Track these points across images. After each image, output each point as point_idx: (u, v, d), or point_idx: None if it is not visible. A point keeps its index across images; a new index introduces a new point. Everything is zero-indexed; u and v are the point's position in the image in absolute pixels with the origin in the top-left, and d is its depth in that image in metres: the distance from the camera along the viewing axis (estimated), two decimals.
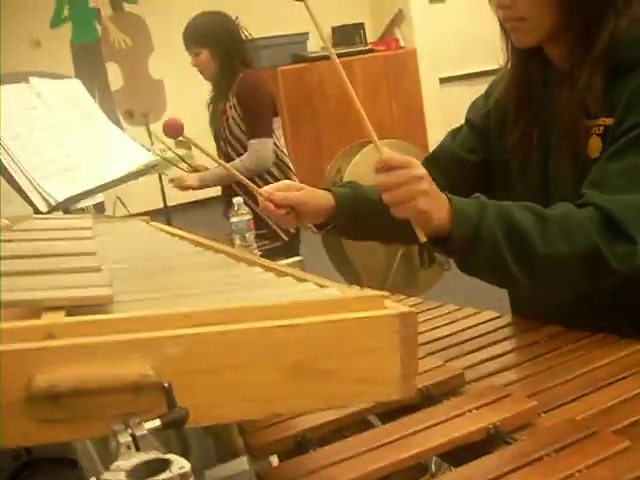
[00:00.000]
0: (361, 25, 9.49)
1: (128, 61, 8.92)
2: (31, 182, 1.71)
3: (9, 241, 1.20)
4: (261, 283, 1.13)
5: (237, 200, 2.64)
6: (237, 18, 3.70)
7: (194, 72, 3.49)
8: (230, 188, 3.32)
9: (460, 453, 1.05)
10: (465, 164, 1.61)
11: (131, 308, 0.91)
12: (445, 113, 9.94)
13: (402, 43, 9.53)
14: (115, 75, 8.76)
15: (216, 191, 3.76)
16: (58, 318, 0.82)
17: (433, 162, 1.62)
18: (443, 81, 9.74)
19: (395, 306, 0.87)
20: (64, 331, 0.78)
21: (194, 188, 3.45)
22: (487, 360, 1.37)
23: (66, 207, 1.83)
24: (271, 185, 1.51)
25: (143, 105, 7.80)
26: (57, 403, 0.76)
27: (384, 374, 0.85)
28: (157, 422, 0.77)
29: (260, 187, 1.51)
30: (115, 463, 0.74)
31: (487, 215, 1.22)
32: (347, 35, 9.32)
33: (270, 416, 0.92)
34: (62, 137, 1.99)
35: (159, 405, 0.78)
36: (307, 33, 8.90)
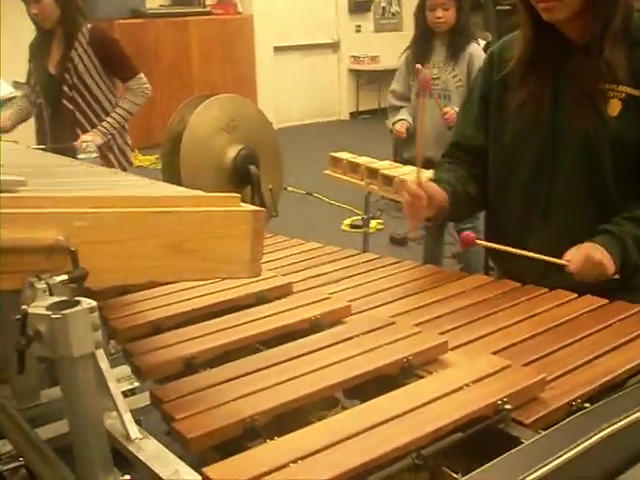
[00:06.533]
0: None
1: None
2: None
3: None
4: (137, 185, 1.37)
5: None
6: None
7: None
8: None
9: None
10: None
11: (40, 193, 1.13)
12: (277, 81, 10.25)
13: (240, 9, 9.70)
14: None
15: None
16: None
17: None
18: (277, 50, 9.99)
19: (248, 206, 1.14)
20: None
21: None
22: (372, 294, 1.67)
23: None
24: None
25: None
26: None
27: (237, 256, 1.12)
28: (64, 277, 1.01)
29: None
30: (34, 303, 0.97)
31: (628, 248, 1.63)
32: None
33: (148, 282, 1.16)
34: None
35: (66, 266, 1.01)
36: None
